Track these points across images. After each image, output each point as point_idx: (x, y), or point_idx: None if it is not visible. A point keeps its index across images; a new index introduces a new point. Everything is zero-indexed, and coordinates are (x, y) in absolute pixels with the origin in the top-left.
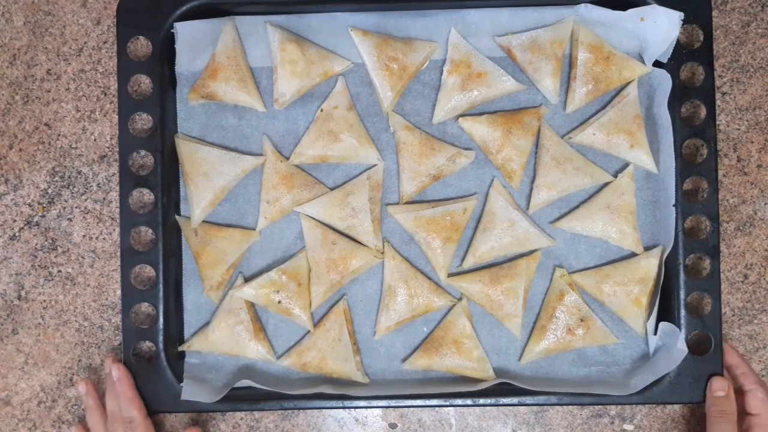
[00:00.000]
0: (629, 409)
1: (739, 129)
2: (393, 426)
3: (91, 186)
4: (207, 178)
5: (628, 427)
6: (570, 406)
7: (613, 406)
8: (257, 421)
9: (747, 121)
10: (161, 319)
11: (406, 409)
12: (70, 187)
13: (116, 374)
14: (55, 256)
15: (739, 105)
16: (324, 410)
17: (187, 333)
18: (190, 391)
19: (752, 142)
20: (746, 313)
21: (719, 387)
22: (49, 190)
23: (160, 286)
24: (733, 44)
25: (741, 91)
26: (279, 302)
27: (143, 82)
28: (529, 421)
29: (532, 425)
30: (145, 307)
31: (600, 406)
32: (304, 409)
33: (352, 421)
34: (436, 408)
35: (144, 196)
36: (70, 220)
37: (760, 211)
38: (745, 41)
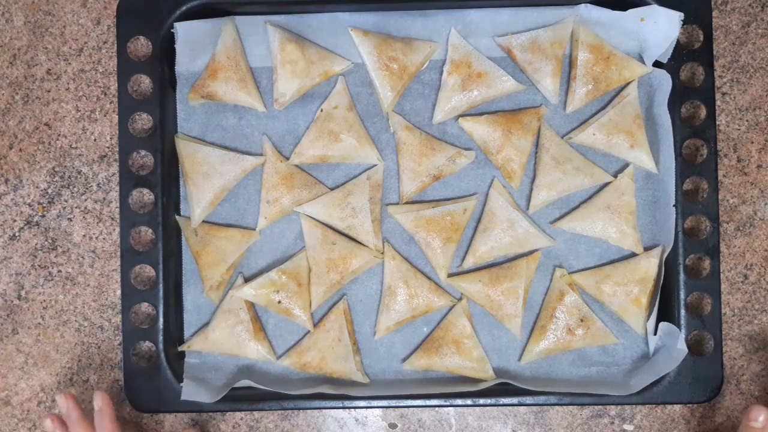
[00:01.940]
0: (629, 409)
1: (739, 129)
2: (393, 426)
3: (91, 186)
4: (207, 178)
5: (628, 427)
6: (570, 406)
7: (613, 406)
8: (257, 421)
9: (747, 121)
10: (161, 319)
11: (406, 409)
12: (70, 187)
13: (98, 404)
14: (55, 256)
15: (739, 105)
16: (324, 410)
17: (187, 333)
18: (190, 391)
19: (752, 142)
20: (746, 313)
21: (756, 416)
22: (49, 190)
23: (160, 286)
24: (733, 44)
25: (741, 91)
26: (279, 302)
27: (143, 82)
28: (529, 421)
29: (532, 425)
30: (145, 307)
31: (600, 406)
32: (304, 409)
33: (352, 421)
34: (436, 408)
35: (144, 196)
36: (70, 220)
37: (760, 211)
38: (745, 41)
